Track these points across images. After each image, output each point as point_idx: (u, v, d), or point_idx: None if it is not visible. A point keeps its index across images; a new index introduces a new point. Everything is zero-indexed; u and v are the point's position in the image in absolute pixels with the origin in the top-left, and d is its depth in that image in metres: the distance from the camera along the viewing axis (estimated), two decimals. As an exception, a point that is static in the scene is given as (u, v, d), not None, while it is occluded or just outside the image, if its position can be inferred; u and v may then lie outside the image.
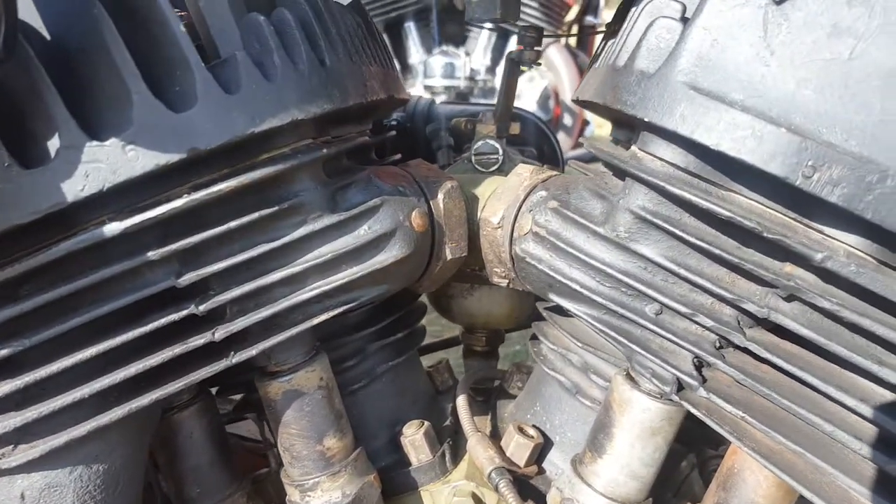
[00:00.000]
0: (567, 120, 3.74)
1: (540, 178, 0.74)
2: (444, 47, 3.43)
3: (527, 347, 0.88)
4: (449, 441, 0.84)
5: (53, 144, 0.52)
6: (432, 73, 3.37)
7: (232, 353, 0.63)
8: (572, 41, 3.79)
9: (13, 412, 0.57)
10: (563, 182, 0.72)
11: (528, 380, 0.91)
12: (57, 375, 0.56)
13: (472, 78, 3.39)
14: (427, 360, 1.09)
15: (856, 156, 0.49)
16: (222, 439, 0.76)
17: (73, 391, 0.57)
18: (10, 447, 0.57)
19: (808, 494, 0.58)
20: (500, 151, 0.88)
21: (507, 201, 0.73)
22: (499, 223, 0.73)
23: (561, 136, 3.46)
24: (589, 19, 3.84)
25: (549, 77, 3.66)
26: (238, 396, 0.88)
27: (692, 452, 0.90)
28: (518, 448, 0.78)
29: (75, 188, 0.52)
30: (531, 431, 0.80)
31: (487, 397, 1.04)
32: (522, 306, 1.02)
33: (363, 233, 0.65)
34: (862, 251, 0.54)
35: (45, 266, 0.55)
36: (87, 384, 0.57)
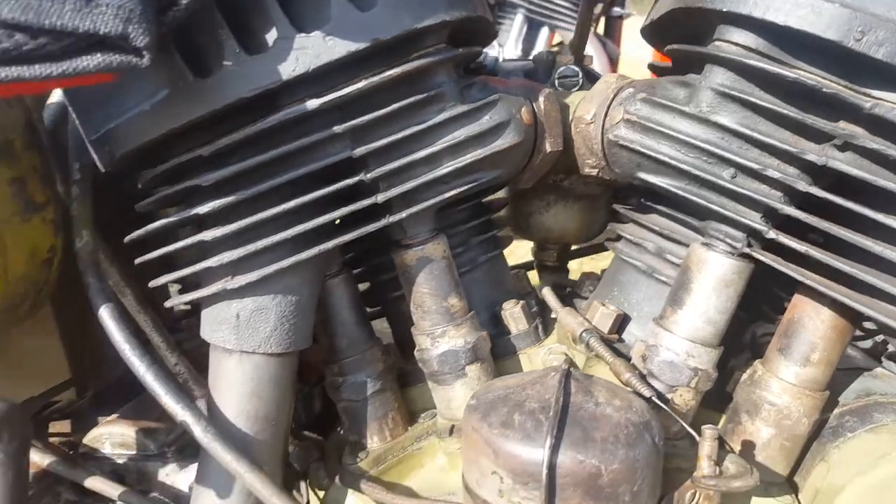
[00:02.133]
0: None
1: (625, 81, 0.88)
2: (479, 38, 3.60)
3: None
4: (540, 318, 0.99)
5: (271, 36, 0.68)
6: (467, 61, 3.54)
7: (387, 215, 0.78)
8: (601, 30, 3.97)
9: (229, 251, 0.73)
10: (646, 81, 0.86)
11: (603, 276, 1.05)
12: (263, 223, 0.72)
13: (505, 67, 3.55)
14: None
15: None
16: (362, 308, 0.92)
17: (275, 236, 0.73)
18: (229, 277, 0.73)
19: (864, 310, 0.72)
20: (580, 74, 1.02)
21: (597, 101, 0.88)
22: (591, 119, 0.87)
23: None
24: (616, 10, 4.02)
25: (581, 64, 3.82)
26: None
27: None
28: (602, 317, 0.92)
29: (289, 69, 0.68)
30: (612, 306, 0.94)
31: (561, 301, 1.18)
32: (591, 222, 1.16)
33: (486, 121, 0.80)
34: None
35: (255, 136, 0.71)
36: (286, 230, 0.73)
